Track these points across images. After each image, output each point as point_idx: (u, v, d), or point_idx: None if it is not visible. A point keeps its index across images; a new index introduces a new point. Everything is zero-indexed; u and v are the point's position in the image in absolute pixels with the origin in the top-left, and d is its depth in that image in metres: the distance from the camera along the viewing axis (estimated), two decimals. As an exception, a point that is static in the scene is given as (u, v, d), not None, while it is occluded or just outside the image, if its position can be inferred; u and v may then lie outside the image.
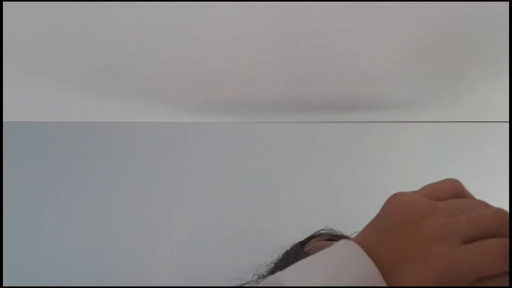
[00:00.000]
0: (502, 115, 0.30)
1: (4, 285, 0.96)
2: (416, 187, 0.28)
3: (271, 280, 0.23)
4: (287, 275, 0.23)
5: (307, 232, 0.80)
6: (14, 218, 1.10)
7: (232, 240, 1.09)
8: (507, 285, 0.20)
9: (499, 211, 0.20)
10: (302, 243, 0.75)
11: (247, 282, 0.76)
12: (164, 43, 0.15)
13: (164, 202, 1.13)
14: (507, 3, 0.11)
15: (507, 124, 0.31)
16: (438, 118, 0.37)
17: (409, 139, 0.55)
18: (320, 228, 0.80)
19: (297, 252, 0.69)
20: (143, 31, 0.14)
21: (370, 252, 0.21)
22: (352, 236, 0.79)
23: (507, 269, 0.19)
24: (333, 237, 0.74)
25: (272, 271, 0.72)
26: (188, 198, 1.13)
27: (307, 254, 0.67)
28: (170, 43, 0.15)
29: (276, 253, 0.76)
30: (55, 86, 0.25)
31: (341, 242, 0.21)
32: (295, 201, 1.10)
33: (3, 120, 0.33)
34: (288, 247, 0.75)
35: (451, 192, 0.22)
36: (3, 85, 0.22)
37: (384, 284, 0.20)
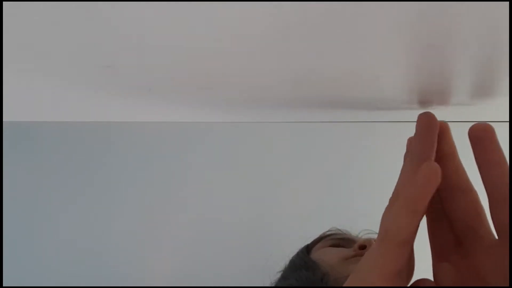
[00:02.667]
0: (502, 115, 0.30)
1: (4, 285, 0.96)
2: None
3: None
4: None
5: (308, 232, 0.80)
6: (14, 218, 1.10)
7: (233, 240, 1.09)
8: None
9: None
10: (308, 248, 0.75)
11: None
12: (164, 43, 0.15)
13: (164, 202, 1.13)
14: (507, 3, 0.11)
15: (507, 124, 0.31)
16: (438, 118, 0.37)
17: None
18: (327, 230, 0.79)
19: (303, 261, 0.68)
20: (143, 31, 0.14)
21: None
22: (359, 236, 0.79)
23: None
24: (339, 241, 0.73)
25: (278, 282, 0.72)
26: (188, 197, 1.13)
27: (313, 263, 0.67)
28: (170, 42, 0.15)
29: (279, 261, 0.75)
30: (55, 86, 0.25)
31: None
32: (296, 200, 1.11)
33: (3, 120, 0.33)
34: (293, 253, 0.74)
35: None
36: (3, 85, 0.22)
37: None
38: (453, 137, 0.26)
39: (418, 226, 0.20)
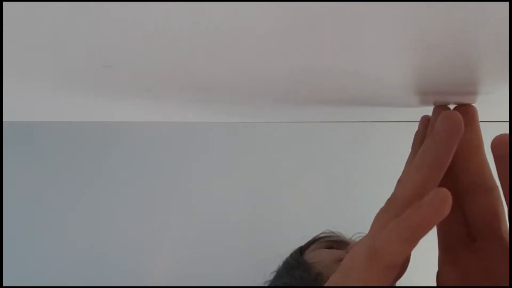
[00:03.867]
0: (502, 115, 0.30)
1: (4, 285, 0.96)
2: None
3: None
4: None
5: (308, 232, 0.80)
6: (14, 218, 1.10)
7: (233, 240, 1.09)
8: None
9: None
10: (302, 249, 0.75)
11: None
12: (164, 43, 0.15)
13: (164, 202, 1.13)
14: (507, 3, 0.11)
15: (507, 124, 0.31)
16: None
17: (410, 139, 0.55)
18: (320, 232, 0.80)
19: (297, 261, 0.69)
20: (143, 31, 0.14)
21: None
22: (352, 238, 0.80)
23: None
24: (332, 243, 0.74)
25: (272, 282, 0.72)
26: (188, 197, 1.13)
27: (307, 263, 0.68)
28: (170, 42, 0.15)
29: (275, 262, 0.76)
30: (55, 86, 0.25)
31: None
32: (296, 200, 1.11)
33: (3, 120, 0.33)
34: (287, 254, 0.75)
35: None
36: (3, 85, 0.22)
37: None
38: (480, 126, 0.23)
39: (412, 249, 0.18)
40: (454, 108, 0.24)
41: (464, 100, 0.23)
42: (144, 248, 1.11)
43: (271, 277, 0.75)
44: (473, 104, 0.23)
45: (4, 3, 0.11)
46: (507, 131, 0.25)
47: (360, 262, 0.20)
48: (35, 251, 1.11)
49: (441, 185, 0.24)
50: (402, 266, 0.22)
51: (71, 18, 0.12)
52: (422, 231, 0.18)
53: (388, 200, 0.22)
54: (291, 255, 0.75)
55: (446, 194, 0.17)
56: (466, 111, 0.23)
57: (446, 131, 0.20)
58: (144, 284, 1.08)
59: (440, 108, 0.25)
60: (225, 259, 1.08)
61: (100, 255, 1.10)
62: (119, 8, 0.11)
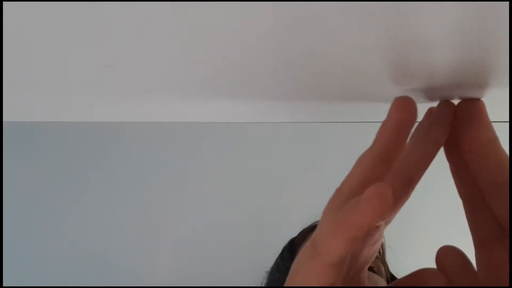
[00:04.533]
0: (502, 115, 0.30)
1: (4, 285, 0.96)
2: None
3: None
4: None
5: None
6: (14, 218, 1.10)
7: (233, 240, 1.09)
8: None
9: None
10: (294, 241, 0.76)
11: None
12: (165, 42, 0.15)
13: (164, 202, 1.13)
14: (507, 3, 0.11)
15: (507, 124, 0.31)
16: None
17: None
18: (313, 221, 0.80)
19: (280, 263, 0.70)
20: (143, 31, 0.14)
21: None
22: None
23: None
24: None
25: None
26: (188, 197, 1.13)
27: (291, 263, 0.67)
28: (171, 42, 0.15)
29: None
30: (55, 86, 0.25)
31: None
32: (296, 200, 1.11)
33: (3, 120, 0.33)
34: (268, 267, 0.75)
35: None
36: (3, 85, 0.22)
37: None
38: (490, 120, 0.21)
39: (353, 247, 0.18)
40: (459, 103, 0.22)
41: (472, 94, 0.22)
42: (144, 248, 1.11)
43: (265, 277, 0.76)
44: (482, 99, 0.22)
45: (4, 3, 0.11)
46: (507, 131, 0.25)
47: (302, 259, 0.19)
48: (35, 251, 1.11)
49: (462, 185, 0.23)
50: (350, 266, 0.21)
51: (71, 18, 0.12)
52: (362, 228, 0.17)
53: (335, 190, 0.21)
54: (282, 250, 0.75)
55: (384, 190, 0.16)
56: (472, 106, 0.21)
57: (393, 121, 0.19)
58: (144, 284, 1.08)
59: (445, 103, 0.23)
60: (225, 259, 1.08)
61: (100, 255, 1.10)
62: (119, 8, 0.11)
